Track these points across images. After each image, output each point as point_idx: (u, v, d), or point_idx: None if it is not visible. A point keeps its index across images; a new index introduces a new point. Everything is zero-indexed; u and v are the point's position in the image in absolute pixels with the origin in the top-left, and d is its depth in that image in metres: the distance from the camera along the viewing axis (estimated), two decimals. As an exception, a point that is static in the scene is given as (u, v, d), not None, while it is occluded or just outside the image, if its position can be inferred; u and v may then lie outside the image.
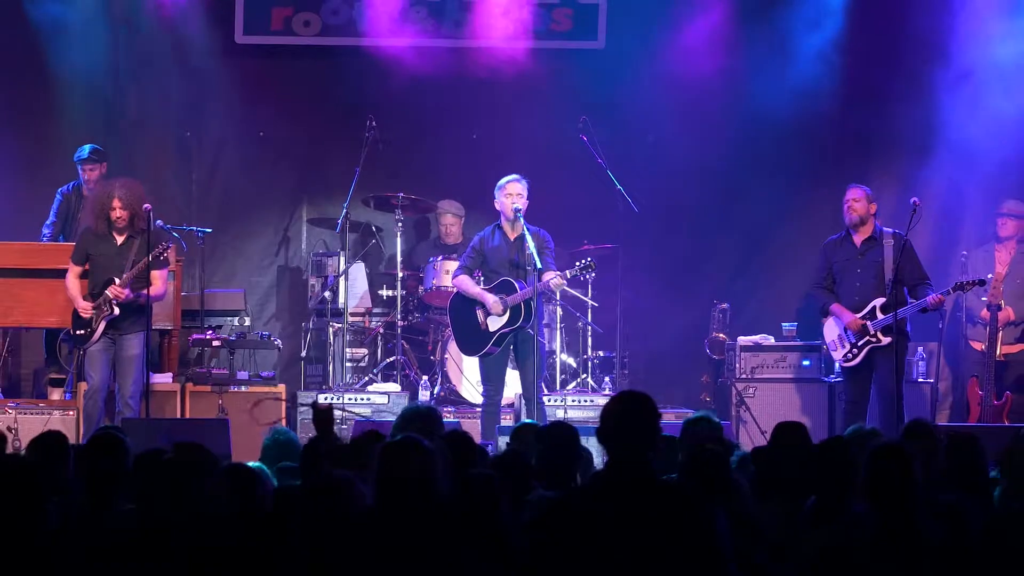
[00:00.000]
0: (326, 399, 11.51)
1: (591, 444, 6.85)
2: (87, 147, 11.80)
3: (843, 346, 10.72)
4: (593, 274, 10.92)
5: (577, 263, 10.63)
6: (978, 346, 11.80)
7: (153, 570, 4.98)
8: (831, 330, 10.84)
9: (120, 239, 10.46)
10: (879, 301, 10.59)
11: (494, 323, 10.57)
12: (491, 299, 10.53)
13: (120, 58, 12.90)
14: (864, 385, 10.69)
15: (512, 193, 10.53)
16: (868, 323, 10.56)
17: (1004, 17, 12.47)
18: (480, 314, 10.60)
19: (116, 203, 10.38)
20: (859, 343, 10.62)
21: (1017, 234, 12.00)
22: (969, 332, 11.97)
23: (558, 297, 12.04)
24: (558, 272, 10.48)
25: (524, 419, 10.59)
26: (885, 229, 10.77)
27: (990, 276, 11.53)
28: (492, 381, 10.70)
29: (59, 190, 11.93)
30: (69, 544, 5.14)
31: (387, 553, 4.78)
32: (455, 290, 10.92)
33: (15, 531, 5.01)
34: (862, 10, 12.84)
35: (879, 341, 10.56)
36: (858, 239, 10.81)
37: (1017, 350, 11.84)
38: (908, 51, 12.77)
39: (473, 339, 10.70)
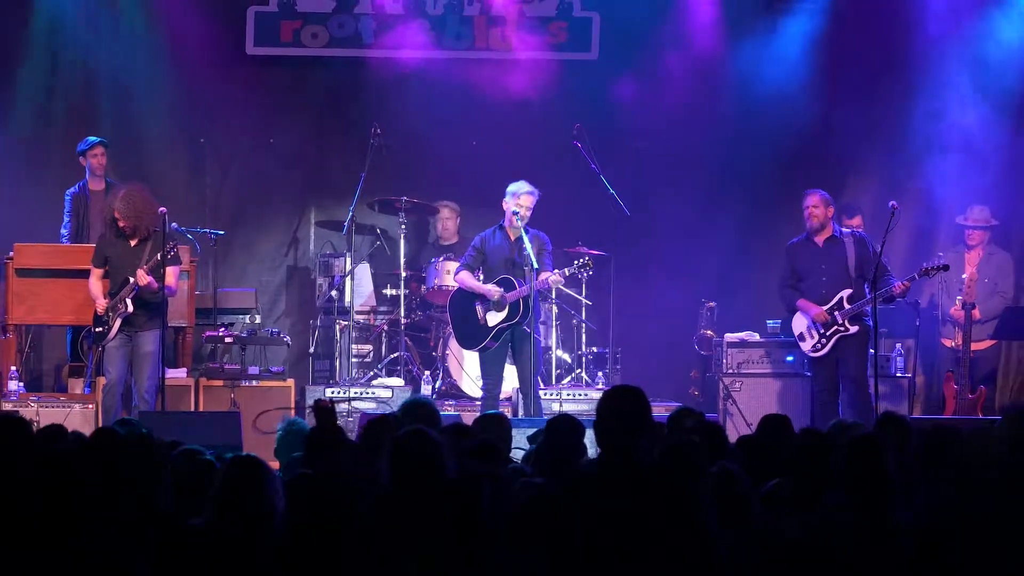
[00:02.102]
0: (333, 393, 11.58)
1: (586, 435, 6.92)
2: (91, 137, 11.86)
3: (811, 337, 10.80)
4: (590, 272, 10.96)
5: (575, 262, 10.71)
6: (949, 343, 11.89)
7: None
8: (799, 323, 10.92)
9: (134, 242, 10.52)
10: (846, 292, 10.69)
11: (492, 319, 10.63)
12: (490, 287, 10.60)
13: (137, 68, 12.91)
14: (830, 375, 10.75)
15: (523, 204, 10.60)
16: (836, 313, 10.63)
17: (981, 21, 12.58)
18: (479, 310, 10.66)
19: (117, 214, 10.47)
20: (827, 333, 10.69)
21: (983, 240, 12.08)
22: (941, 330, 12.03)
23: (554, 295, 12.09)
24: (556, 270, 10.56)
25: (520, 412, 10.67)
26: (843, 230, 10.85)
27: (964, 276, 11.59)
28: (491, 375, 10.77)
29: (67, 192, 11.95)
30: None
31: (401, 535, 4.82)
32: (455, 288, 10.97)
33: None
34: (846, 26, 12.91)
35: (847, 330, 10.65)
36: (820, 240, 10.88)
37: (986, 346, 11.92)
38: (887, 62, 12.87)
39: (472, 334, 10.75)
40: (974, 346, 11.62)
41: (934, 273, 10.76)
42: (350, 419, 10.97)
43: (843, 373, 10.71)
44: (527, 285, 10.43)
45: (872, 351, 10.62)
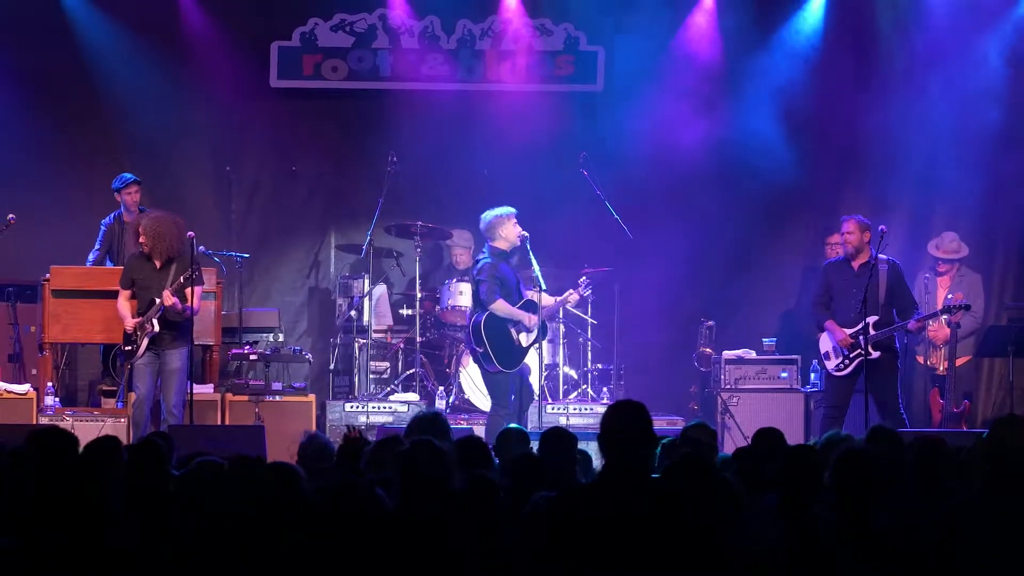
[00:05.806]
0: (352, 408, 11.61)
1: (591, 448, 6.90)
2: (126, 175, 11.91)
3: (836, 357, 10.70)
4: (590, 291, 10.99)
5: (580, 281, 10.84)
6: (923, 360, 11.91)
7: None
8: (825, 343, 10.83)
9: (159, 263, 10.53)
10: (872, 319, 10.52)
11: (526, 339, 10.62)
12: (526, 316, 10.60)
13: (167, 101, 12.95)
14: (845, 394, 10.66)
15: (516, 224, 10.61)
16: (861, 338, 10.52)
17: (963, 56, 12.64)
18: (513, 332, 10.59)
19: (140, 229, 10.53)
20: (851, 355, 10.61)
21: (954, 268, 12.08)
22: (916, 349, 11.97)
23: (561, 315, 12.09)
24: (571, 290, 10.77)
25: (527, 425, 10.64)
26: (881, 256, 10.65)
27: (949, 296, 11.58)
28: (516, 394, 10.72)
29: (102, 222, 11.98)
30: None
31: (409, 545, 4.81)
32: (486, 315, 10.68)
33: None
34: (842, 61, 12.95)
35: (870, 355, 10.52)
36: (856, 264, 10.77)
37: (962, 362, 11.88)
38: (876, 86, 12.91)
39: (512, 355, 10.58)
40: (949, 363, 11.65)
41: (956, 312, 10.79)
42: (369, 433, 10.94)
43: (873, 396, 10.53)
44: (546, 306, 10.58)
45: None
